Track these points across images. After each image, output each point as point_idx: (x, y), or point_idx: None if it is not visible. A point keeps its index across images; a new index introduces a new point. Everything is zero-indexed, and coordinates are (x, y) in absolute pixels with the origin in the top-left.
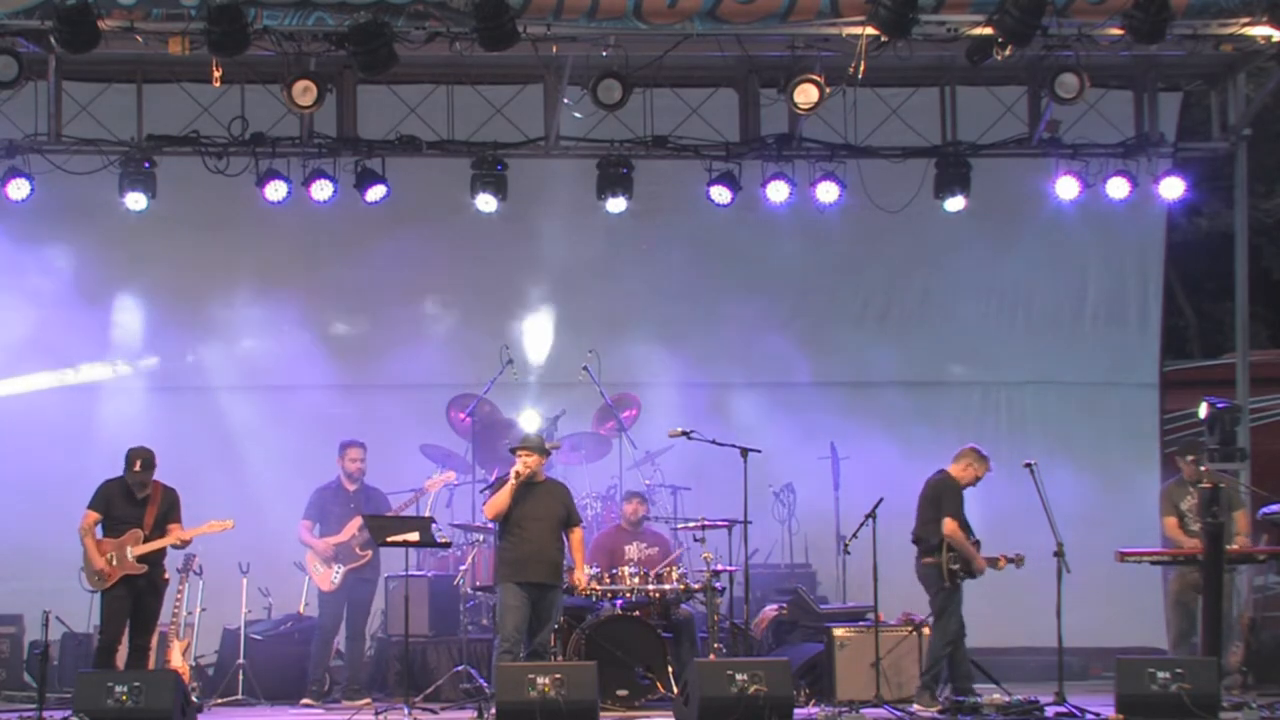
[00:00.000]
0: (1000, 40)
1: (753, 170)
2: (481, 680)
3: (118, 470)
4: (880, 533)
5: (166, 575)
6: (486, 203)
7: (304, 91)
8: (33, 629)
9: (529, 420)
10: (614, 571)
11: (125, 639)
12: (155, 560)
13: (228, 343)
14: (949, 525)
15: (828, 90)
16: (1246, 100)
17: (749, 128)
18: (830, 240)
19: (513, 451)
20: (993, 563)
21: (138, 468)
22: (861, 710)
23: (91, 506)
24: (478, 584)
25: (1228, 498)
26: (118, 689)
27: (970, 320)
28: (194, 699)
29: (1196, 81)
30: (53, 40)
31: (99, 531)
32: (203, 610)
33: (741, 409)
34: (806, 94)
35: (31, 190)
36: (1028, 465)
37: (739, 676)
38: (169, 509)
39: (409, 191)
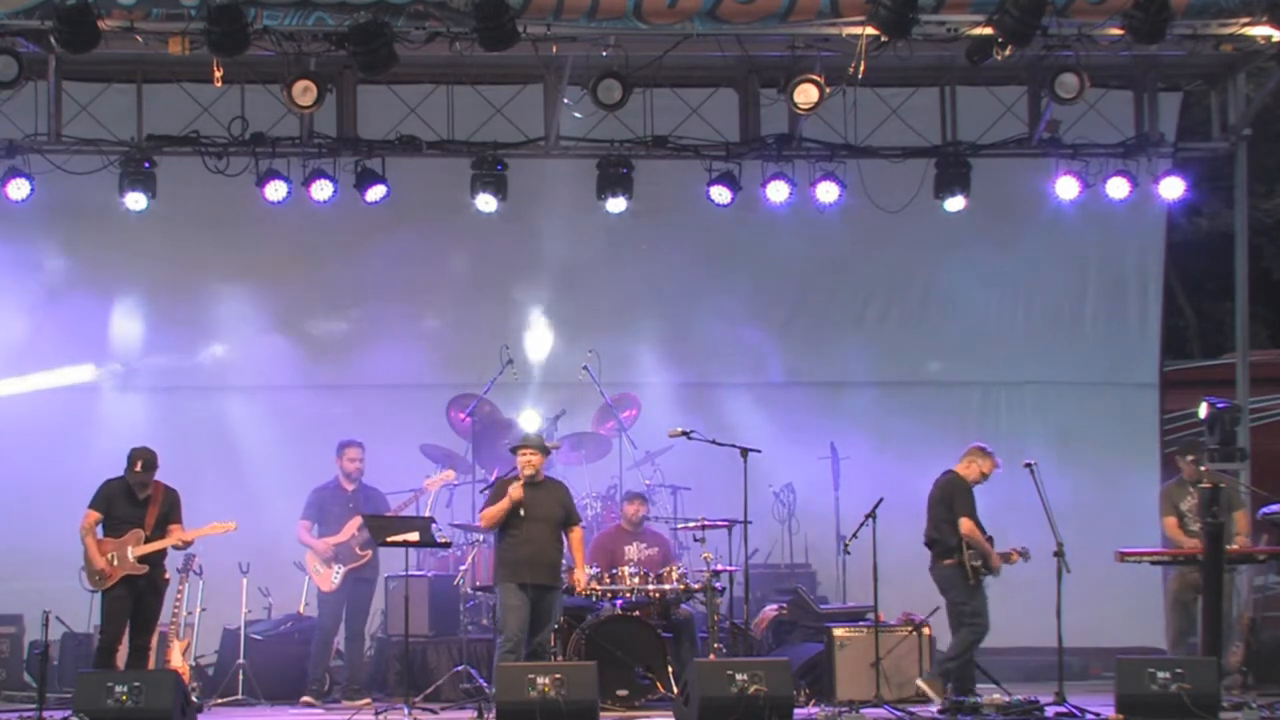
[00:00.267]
0: (1000, 40)
1: (753, 170)
2: (481, 680)
3: (118, 470)
4: (880, 533)
5: (167, 575)
6: (486, 203)
7: (304, 91)
8: (33, 629)
9: (529, 420)
10: (614, 571)
11: (125, 639)
12: (156, 560)
13: (228, 343)
14: (966, 525)
15: (828, 90)
16: (1246, 100)
17: (749, 128)
18: (830, 240)
19: (514, 451)
20: (1005, 558)
21: (139, 468)
22: (861, 710)
23: (93, 506)
24: (478, 584)
25: (1228, 498)
26: (118, 689)
27: (970, 320)
28: (194, 699)
29: (1196, 81)
30: (53, 40)
31: (100, 531)
32: (203, 610)
33: (741, 409)
34: (806, 94)
35: (31, 190)
36: (1028, 465)
37: (739, 676)
38: (170, 509)
39: (409, 191)
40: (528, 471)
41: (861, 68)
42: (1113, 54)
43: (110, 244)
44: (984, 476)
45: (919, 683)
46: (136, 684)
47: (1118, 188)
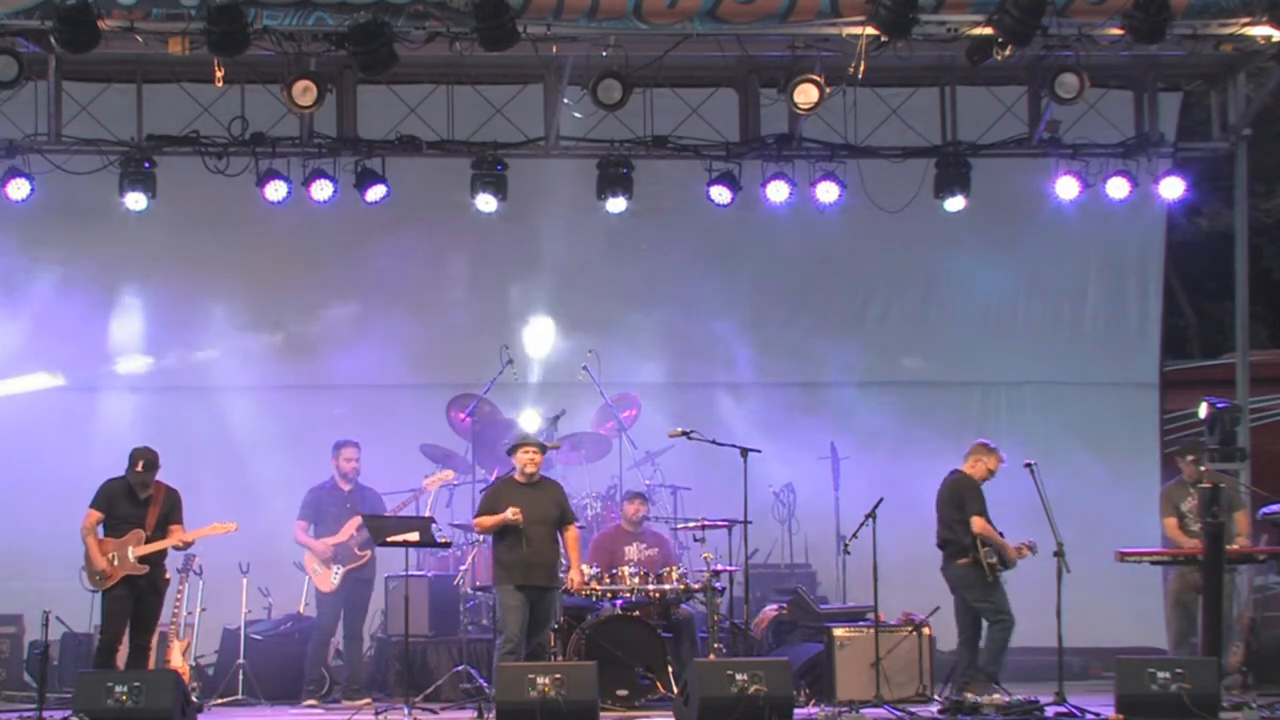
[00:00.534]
0: (1000, 40)
1: (753, 170)
2: (481, 680)
3: (117, 470)
4: (880, 533)
5: (167, 575)
6: (486, 203)
7: (304, 91)
8: (33, 629)
9: (529, 420)
10: (614, 571)
11: (125, 639)
12: (156, 561)
13: (228, 343)
14: (978, 523)
15: (828, 90)
16: (1246, 100)
17: (749, 128)
18: (830, 240)
19: (512, 451)
20: (1015, 552)
21: (140, 468)
22: (861, 710)
23: (94, 505)
24: (478, 584)
25: (1228, 498)
26: (118, 689)
27: (970, 320)
28: (194, 699)
29: (1196, 81)
30: (53, 40)
31: (100, 531)
32: (203, 610)
33: (741, 409)
34: (806, 94)
35: (31, 190)
36: (1028, 465)
37: (739, 676)
38: (171, 510)
39: (409, 191)
40: (529, 470)
41: (861, 68)
42: (1113, 54)
43: (110, 244)
44: (991, 473)
45: (969, 697)
46: (136, 684)
47: (1118, 188)
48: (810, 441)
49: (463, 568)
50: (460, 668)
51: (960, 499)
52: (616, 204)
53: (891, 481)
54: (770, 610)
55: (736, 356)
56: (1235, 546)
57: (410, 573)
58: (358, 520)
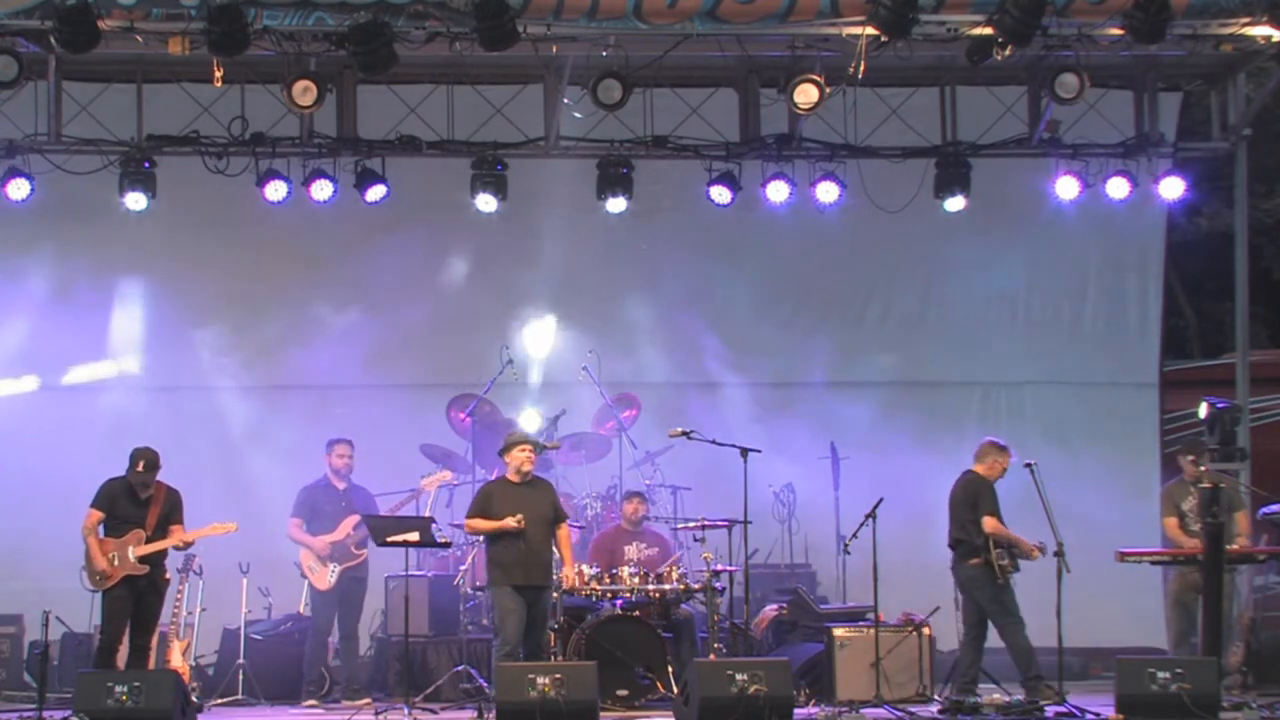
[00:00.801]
0: (1000, 40)
1: (753, 170)
2: (481, 680)
3: (118, 470)
4: (880, 533)
5: (167, 575)
6: (486, 203)
7: (304, 91)
8: (33, 629)
9: (529, 420)
10: (614, 571)
11: (125, 639)
12: (156, 561)
13: (227, 343)
14: (990, 523)
15: (828, 90)
16: (1246, 100)
17: (749, 128)
18: (830, 240)
19: (507, 450)
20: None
21: (141, 468)
22: (861, 710)
23: (95, 505)
24: (478, 584)
25: (1228, 498)
26: (118, 689)
27: (970, 320)
28: (194, 699)
29: (1196, 81)
30: (53, 40)
31: (100, 531)
32: (203, 610)
33: (741, 409)
34: (806, 94)
35: (31, 190)
36: (1028, 465)
37: (739, 676)
38: (171, 510)
39: (409, 191)
40: (526, 469)
41: (861, 68)
42: (1113, 54)
43: (110, 244)
44: (1004, 472)
45: (1041, 703)
46: (136, 684)
47: (1118, 188)
48: (810, 441)
49: (463, 568)
50: (460, 668)
51: (974, 499)
52: (616, 204)
53: (892, 481)
54: (770, 610)
55: (736, 356)
56: (1235, 546)
57: (410, 573)
58: (355, 519)
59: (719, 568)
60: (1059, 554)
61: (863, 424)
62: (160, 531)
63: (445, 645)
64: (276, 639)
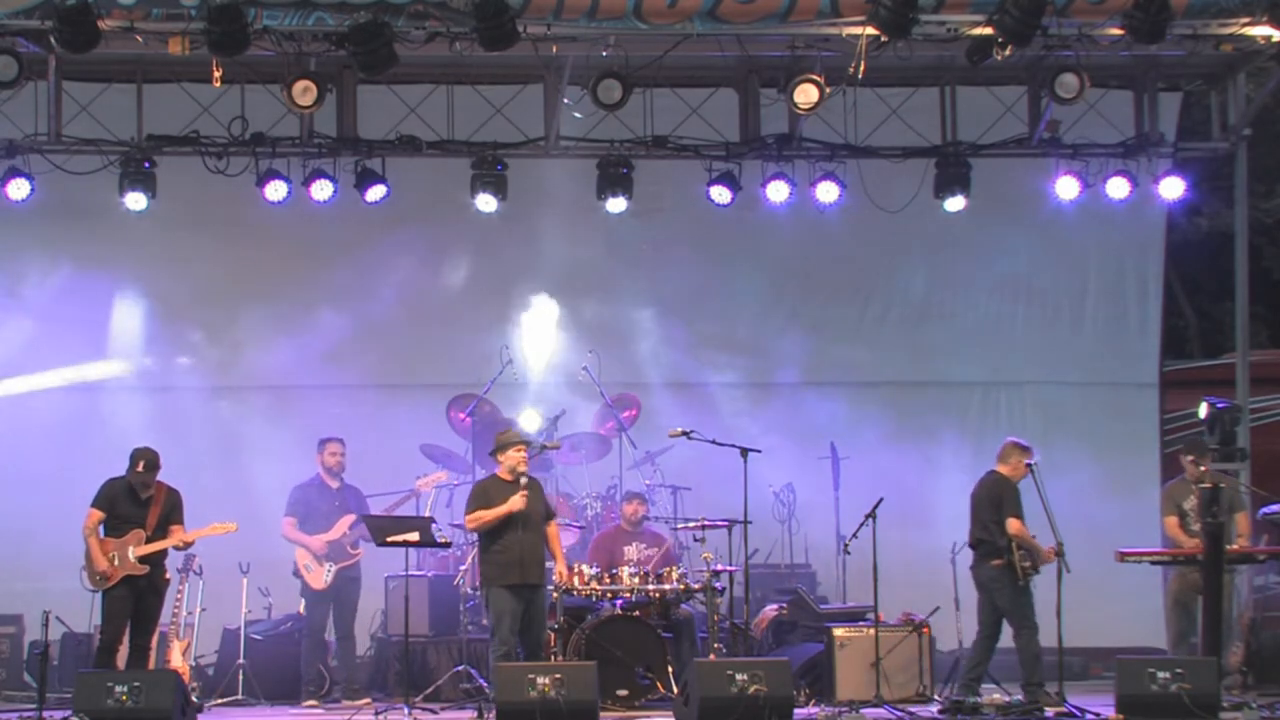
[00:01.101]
0: (1000, 40)
1: (753, 170)
2: (481, 680)
3: (118, 470)
4: (880, 533)
5: (167, 575)
6: (486, 203)
7: (304, 91)
8: (33, 629)
9: (529, 420)
10: (614, 571)
11: (125, 639)
12: (156, 561)
13: (227, 343)
14: (1015, 525)
15: (828, 90)
16: (1246, 100)
17: (749, 128)
18: (830, 240)
19: (502, 451)
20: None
21: (141, 468)
22: (861, 710)
23: (95, 505)
24: (478, 584)
25: (1229, 499)
26: (118, 689)
27: (970, 320)
28: (194, 699)
29: (1196, 81)
30: (53, 40)
31: (101, 531)
32: (203, 610)
33: (741, 409)
34: (806, 94)
35: (31, 190)
36: (1028, 465)
37: (739, 676)
38: (171, 510)
39: (409, 191)
40: (521, 469)
41: (861, 68)
42: (1113, 54)
43: (110, 244)
44: (1028, 471)
45: (1043, 705)
46: (136, 684)
47: (1118, 188)
48: (810, 441)
49: (463, 568)
50: (460, 668)
51: (999, 500)
52: (616, 204)
53: (892, 481)
54: (770, 610)
55: (736, 356)
56: (1235, 546)
57: (410, 573)
58: (350, 518)
59: (719, 568)
60: (1059, 554)
61: (863, 424)
62: (160, 531)
63: (445, 645)
64: (276, 639)
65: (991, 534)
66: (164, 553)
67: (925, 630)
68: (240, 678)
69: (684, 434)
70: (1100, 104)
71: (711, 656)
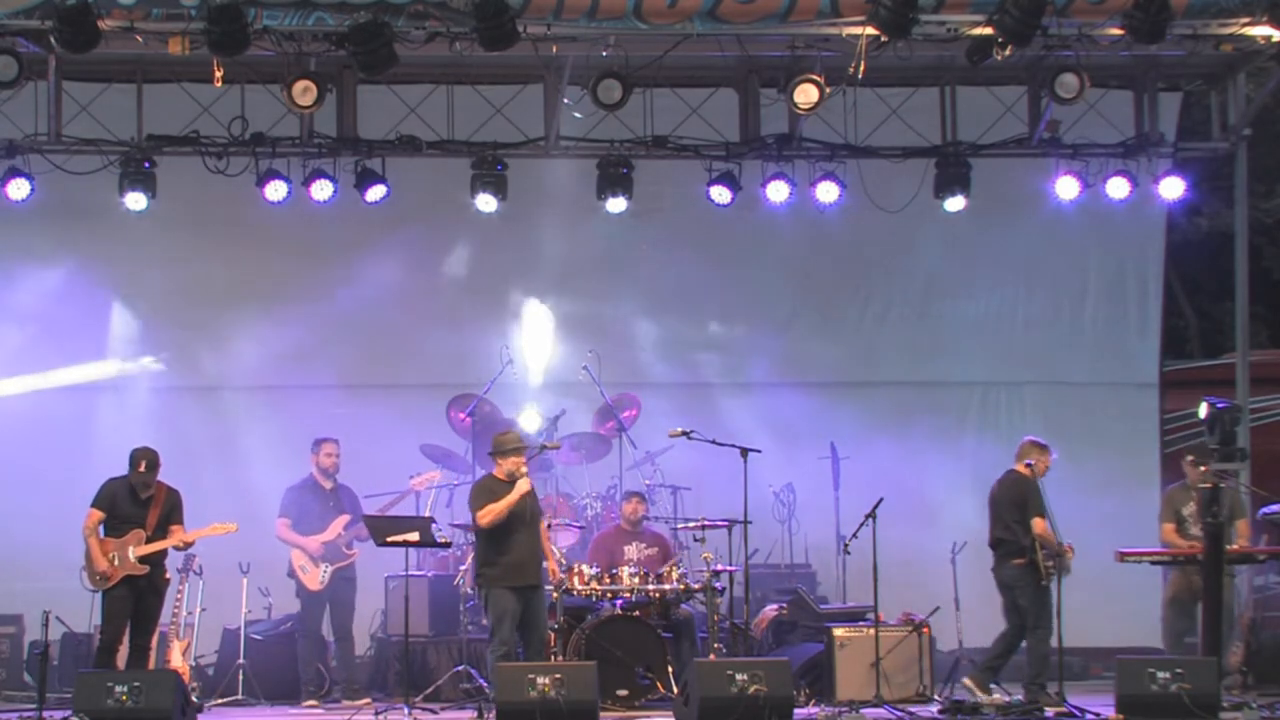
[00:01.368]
0: (1000, 40)
1: (753, 170)
2: (481, 680)
3: (118, 470)
4: (880, 533)
5: (167, 575)
6: (486, 203)
7: (304, 91)
8: (33, 629)
9: (529, 420)
10: (614, 571)
11: (125, 639)
12: (157, 561)
13: (228, 343)
14: (1040, 525)
15: (828, 90)
16: (1246, 100)
17: (749, 128)
18: (830, 240)
19: (506, 454)
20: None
21: (142, 468)
22: (861, 710)
23: (96, 505)
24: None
25: (1230, 501)
26: (118, 689)
27: (970, 320)
28: (194, 699)
29: (1196, 81)
30: (53, 40)
31: (101, 531)
32: (203, 610)
33: (741, 409)
34: (806, 94)
35: (31, 190)
36: (1028, 465)
37: (739, 676)
38: (171, 510)
39: (409, 191)
40: (521, 473)
41: (861, 68)
42: (1113, 54)
43: (110, 244)
44: (1047, 470)
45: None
46: (136, 684)
47: (1118, 188)
48: (810, 441)
49: (463, 568)
50: (460, 668)
51: (1022, 499)
52: (616, 204)
53: (892, 481)
54: (770, 610)
55: (736, 356)
56: (1235, 546)
57: (410, 573)
58: (345, 518)
59: (719, 568)
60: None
61: (863, 424)
62: (160, 531)
63: (445, 645)
64: (276, 639)
65: (1015, 534)
66: (164, 553)
67: (925, 630)
68: (240, 678)
69: (684, 434)
70: (1100, 104)
71: (711, 656)
